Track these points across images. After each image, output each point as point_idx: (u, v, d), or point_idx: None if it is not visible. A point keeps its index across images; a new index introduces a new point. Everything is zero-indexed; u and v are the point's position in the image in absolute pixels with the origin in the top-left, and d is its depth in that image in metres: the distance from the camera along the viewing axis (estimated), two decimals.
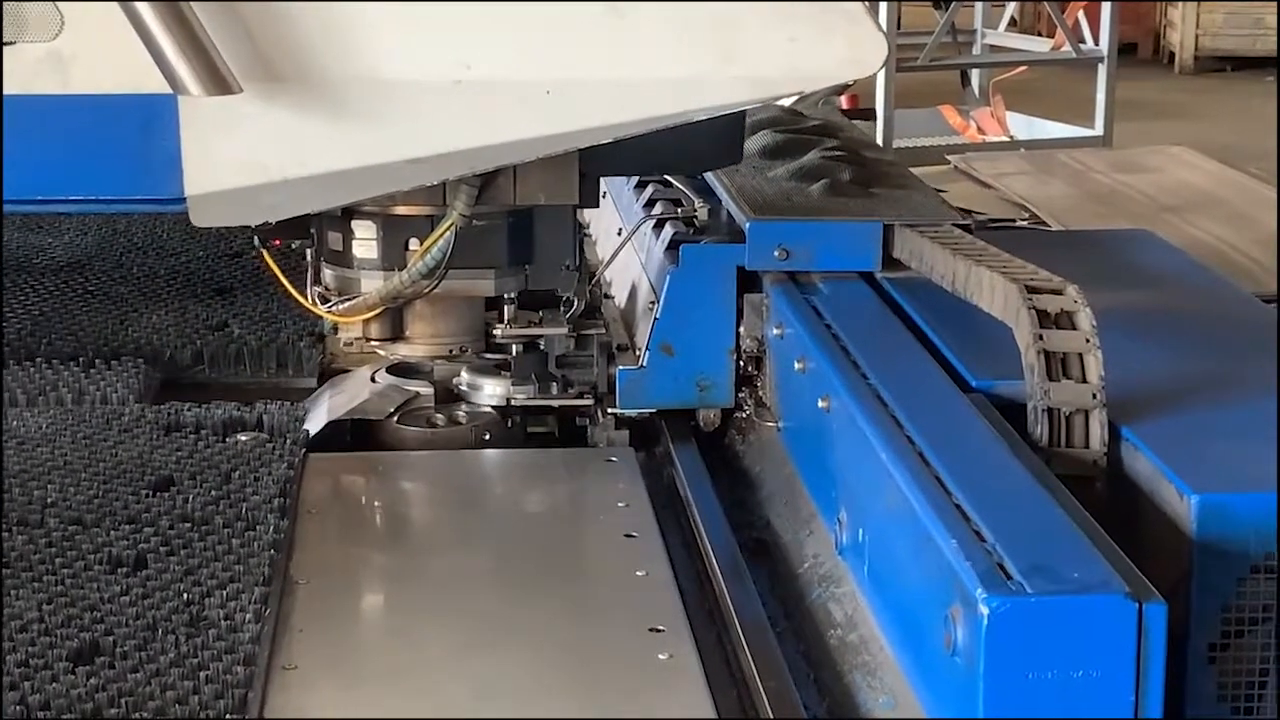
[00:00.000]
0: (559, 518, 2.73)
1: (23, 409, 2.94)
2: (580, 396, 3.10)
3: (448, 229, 2.83)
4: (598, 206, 3.29)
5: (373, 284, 2.93)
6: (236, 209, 2.67)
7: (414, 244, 2.89)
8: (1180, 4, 16.08)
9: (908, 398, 2.43)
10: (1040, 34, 12.90)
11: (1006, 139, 10.41)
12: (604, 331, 3.20)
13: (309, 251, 3.08)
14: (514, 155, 2.66)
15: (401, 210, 2.89)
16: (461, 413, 3.04)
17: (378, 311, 2.98)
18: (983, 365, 2.58)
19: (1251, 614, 2.10)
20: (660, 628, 2.26)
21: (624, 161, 3.01)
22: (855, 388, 2.49)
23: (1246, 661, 2.11)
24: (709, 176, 3.38)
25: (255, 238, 3.01)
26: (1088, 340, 2.37)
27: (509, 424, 3.04)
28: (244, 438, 2.80)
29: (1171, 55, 16.39)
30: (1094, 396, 2.33)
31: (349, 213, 2.90)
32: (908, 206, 3.17)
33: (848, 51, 2.55)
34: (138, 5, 2.40)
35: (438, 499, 2.83)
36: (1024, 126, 10.63)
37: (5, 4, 2.53)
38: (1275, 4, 14.75)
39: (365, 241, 2.93)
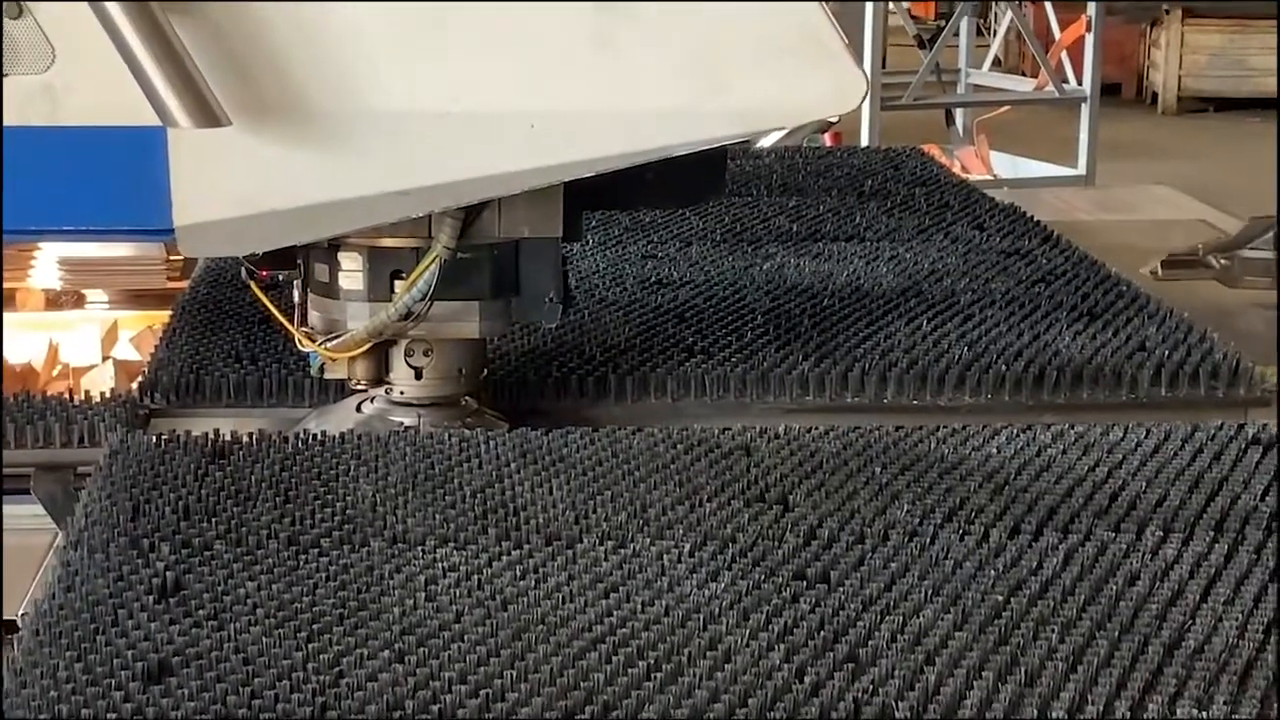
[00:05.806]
0: None
1: None
2: None
3: (432, 262, 2.82)
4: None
5: (359, 317, 2.90)
6: (224, 240, 2.68)
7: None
8: (1164, 46, 16.20)
9: None
10: (1024, 74, 13.01)
11: (990, 178, 10.45)
12: None
13: (296, 284, 3.05)
14: (500, 188, 2.66)
15: (388, 242, 2.87)
16: None
17: (364, 349, 2.95)
18: None
19: None
20: None
21: (608, 194, 3.02)
22: None
23: None
24: None
25: (244, 269, 3.00)
26: None
27: None
28: None
29: (1155, 96, 16.50)
30: None
31: (335, 244, 2.90)
32: None
33: (830, 87, 2.57)
34: (127, 38, 2.42)
35: None
36: (1008, 165, 10.67)
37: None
38: (1256, 47, 14.87)
39: (351, 273, 2.91)
